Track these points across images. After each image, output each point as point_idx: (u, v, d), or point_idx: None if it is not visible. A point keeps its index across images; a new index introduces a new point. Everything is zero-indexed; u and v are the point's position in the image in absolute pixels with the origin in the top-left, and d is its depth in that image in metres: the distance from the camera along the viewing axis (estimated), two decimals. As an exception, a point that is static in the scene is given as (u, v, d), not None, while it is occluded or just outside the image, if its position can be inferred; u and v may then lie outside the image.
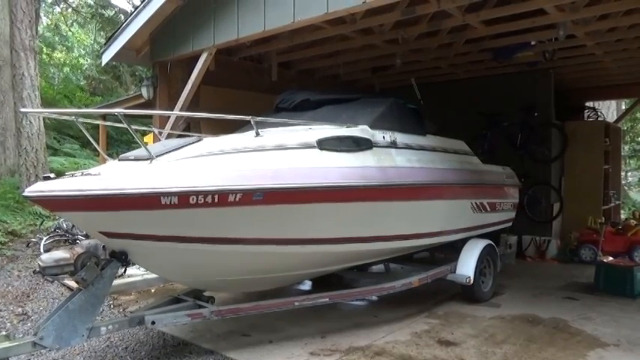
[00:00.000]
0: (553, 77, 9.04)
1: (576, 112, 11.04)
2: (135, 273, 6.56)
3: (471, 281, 5.59)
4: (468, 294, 5.81)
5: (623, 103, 18.16)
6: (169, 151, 3.80)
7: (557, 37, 6.53)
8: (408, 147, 5.08)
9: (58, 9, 22.65)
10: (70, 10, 21.66)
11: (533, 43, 7.39)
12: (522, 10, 5.99)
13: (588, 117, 11.31)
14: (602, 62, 8.61)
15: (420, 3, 5.81)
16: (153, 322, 3.95)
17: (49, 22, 23.31)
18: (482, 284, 5.91)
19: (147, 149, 3.66)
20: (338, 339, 4.56)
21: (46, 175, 3.44)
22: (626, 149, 18.72)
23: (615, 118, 15.45)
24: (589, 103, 12.00)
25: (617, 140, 11.05)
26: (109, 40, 7.45)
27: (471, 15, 6.26)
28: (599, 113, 11.43)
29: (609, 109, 18.27)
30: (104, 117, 9.64)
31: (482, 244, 5.94)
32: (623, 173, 18.33)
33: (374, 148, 4.63)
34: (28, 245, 7.92)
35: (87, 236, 7.28)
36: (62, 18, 22.46)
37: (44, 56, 19.67)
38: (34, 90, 10.43)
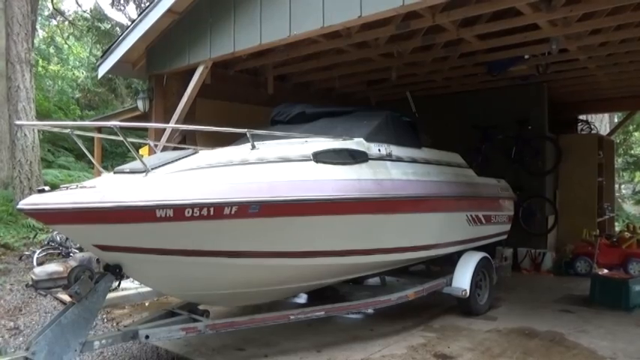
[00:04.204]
0: (546, 91, 9.14)
1: (570, 125, 11.14)
2: (129, 286, 6.51)
3: (467, 294, 5.57)
4: (464, 307, 5.79)
5: (616, 116, 18.35)
6: (165, 164, 3.79)
7: (550, 51, 6.61)
8: (403, 160, 5.09)
9: (54, 22, 22.75)
10: (66, 22, 21.75)
11: (526, 57, 7.48)
12: (516, 25, 6.08)
13: (582, 130, 11.42)
14: (595, 76, 8.71)
15: (414, 17, 5.87)
16: (147, 337, 3.91)
17: (45, 35, 23.38)
18: (478, 297, 5.90)
19: (142, 162, 3.65)
20: (334, 353, 4.52)
21: (40, 187, 3.43)
22: (619, 162, 18.86)
23: (608, 131, 15.60)
24: (582, 117, 12.12)
25: (610, 153, 11.13)
26: (105, 53, 7.46)
27: (465, 29, 6.34)
28: (592, 126, 11.54)
29: (602, 122, 18.44)
30: (99, 129, 9.63)
31: (477, 256, 5.93)
32: (616, 186, 18.46)
33: (369, 161, 4.64)
34: (20, 258, 7.85)
35: (81, 249, 7.23)
36: (58, 31, 22.54)
37: (40, 68, 19.70)
38: (30, 102, 10.43)
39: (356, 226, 4.48)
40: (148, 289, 6.16)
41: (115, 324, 5.51)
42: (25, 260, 7.76)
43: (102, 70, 7.60)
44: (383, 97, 10.56)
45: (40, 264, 7.09)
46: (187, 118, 6.96)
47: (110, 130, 3.67)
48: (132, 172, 3.74)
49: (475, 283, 5.76)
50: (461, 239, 5.98)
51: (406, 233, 5.11)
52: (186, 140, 7.04)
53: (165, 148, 6.17)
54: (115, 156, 16.88)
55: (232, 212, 3.64)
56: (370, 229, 4.65)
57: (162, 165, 3.77)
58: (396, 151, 5.06)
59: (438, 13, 5.71)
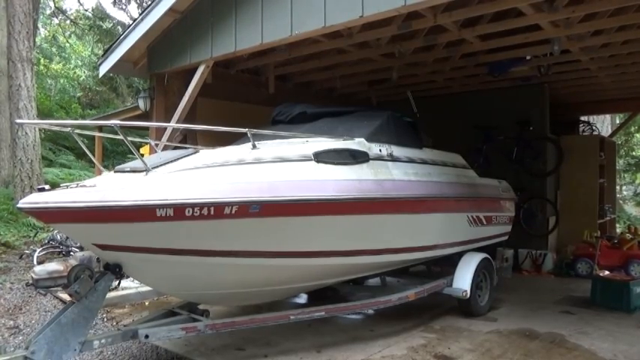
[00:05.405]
0: (548, 91, 9.13)
1: (571, 126, 11.14)
2: (129, 286, 6.51)
3: (468, 295, 5.56)
4: (464, 308, 5.78)
5: (617, 117, 18.32)
6: (165, 163, 3.78)
7: (552, 52, 6.60)
8: (404, 160, 5.09)
9: (56, 20, 22.76)
10: (68, 21, 21.77)
11: (528, 57, 7.47)
12: (517, 26, 6.07)
13: (583, 131, 11.41)
14: (597, 77, 8.70)
15: (416, 18, 5.87)
16: (146, 336, 3.90)
17: (47, 34, 23.40)
18: (478, 298, 5.89)
19: (143, 161, 3.65)
20: (334, 353, 4.52)
21: (40, 186, 3.42)
22: (620, 163, 18.84)
23: (610, 132, 15.58)
24: (584, 118, 12.10)
25: (611, 154, 11.12)
26: (107, 52, 7.46)
27: (467, 30, 6.33)
28: (593, 127, 11.53)
29: (604, 124, 18.42)
30: (100, 128, 9.62)
31: (478, 257, 5.92)
32: (617, 187, 18.44)
33: (370, 161, 4.63)
34: (21, 257, 7.85)
35: (81, 248, 7.23)
36: (60, 29, 22.56)
37: (41, 67, 19.71)
38: (31, 101, 10.43)
39: (357, 226, 4.47)
40: (147, 288, 6.16)
41: (114, 323, 5.50)
42: (26, 259, 7.75)
43: (103, 69, 7.60)
44: (384, 98, 10.55)
45: (40, 263, 7.09)
46: (188, 117, 6.96)
47: (111, 129, 3.66)
48: (132, 171, 3.74)
49: (476, 284, 5.75)
50: (462, 240, 5.97)
51: (407, 234, 5.10)
52: (187, 139, 7.03)
53: (165, 148, 6.17)
54: (115, 155, 16.89)
55: (233, 212, 3.64)
56: (371, 230, 4.64)
57: (163, 164, 3.77)
58: (397, 151, 5.05)
59: (440, 13, 5.70)
